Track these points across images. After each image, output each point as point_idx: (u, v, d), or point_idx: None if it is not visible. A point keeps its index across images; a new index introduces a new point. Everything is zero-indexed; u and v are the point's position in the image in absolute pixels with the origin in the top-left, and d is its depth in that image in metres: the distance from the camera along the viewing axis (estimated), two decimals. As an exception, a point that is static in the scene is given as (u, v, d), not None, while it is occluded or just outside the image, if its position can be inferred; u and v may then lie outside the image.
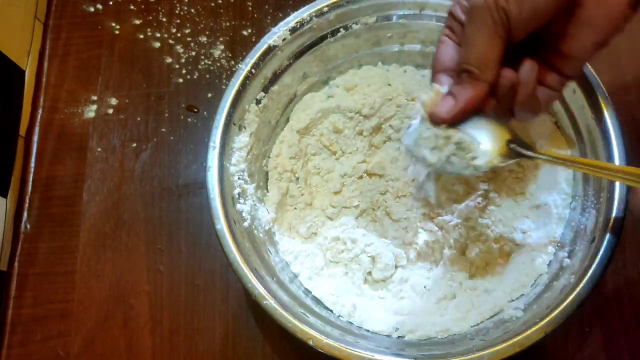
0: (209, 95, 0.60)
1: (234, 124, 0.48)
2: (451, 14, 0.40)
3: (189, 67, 0.61)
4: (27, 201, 0.57)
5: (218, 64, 0.61)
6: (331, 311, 0.47)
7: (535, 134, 0.51)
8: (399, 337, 0.46)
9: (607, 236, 0.41)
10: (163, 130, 0.59)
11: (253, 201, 0.48)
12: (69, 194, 0.57)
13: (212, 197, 0.44)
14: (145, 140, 0.59)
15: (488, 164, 0.39)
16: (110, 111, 0.60)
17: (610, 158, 0.43)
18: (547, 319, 0.40)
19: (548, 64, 0.39)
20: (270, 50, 0.49)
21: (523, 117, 0.41)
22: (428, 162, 0.41)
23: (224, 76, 0.60)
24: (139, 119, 0.60)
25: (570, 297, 0.40)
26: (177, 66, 0.61)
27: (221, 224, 0.44)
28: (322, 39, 0.52)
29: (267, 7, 0.63)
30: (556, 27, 0.37)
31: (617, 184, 0.42)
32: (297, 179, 0.53)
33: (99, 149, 0.59)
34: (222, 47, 0.62)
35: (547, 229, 0.48)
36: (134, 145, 0.59)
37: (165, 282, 0.54)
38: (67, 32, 0.64)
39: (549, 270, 0.46)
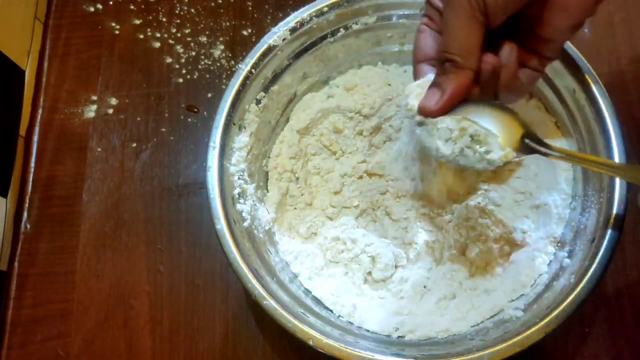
0: (209, 95, 0.60)
1: (234, 124, 0.48)
2: (428, 2, 0.41)
3: (189, 67, 0.61)
4: (27, 201, 0.57)
5: (218, 64, 0.61)
6: (331, 311, 0.47)
7: (535, 134, 0.51)
8: (399, 337, 0.46)
9: (607, 236, 0.41)
10: (163, 130, 0.59)
11: (253, 201, 0.48)
12: (69, 194, 0.57)
13: (212, 197, 0.44)
14: (145, 140, 0.59)
15: (502, 158, 0.38)
16: (110, 111, 0.60)
17: (610, 158, 0.43)
18: (547, 319, 0.40)
19: (528, 47, 0.40)
20: (270, 50, 0.49)
21: (507, 99, 0.41)
22: (441, 153, 0.40)
23: (224, 76, 0.60)
24: (139, 119, 0.60)
25: (570, 297, 0.40)
26: (177, 66, 0.61)
27: (221, 224, 0.44)
28: (322, 39, 0.52)
29: (267, 7, 0.63)
30: (533, 12, 0.38)
31: (617, 183, 0.42)
32: (297, 179, 0.53)
33: (99, 149, 0.59)
34: (222, 47, 0.62)
35: (547, 229, 0.48)
36: (134, 145, 0.59)
37: (165, 282, 0.54)
38: (67, 32, 0.64)
39: (549, 270, 0.46)
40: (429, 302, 0.48)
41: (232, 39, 0.62)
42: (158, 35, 0.62)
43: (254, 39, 0.61)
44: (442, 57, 0.38)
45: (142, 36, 0.63)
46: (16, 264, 0.55)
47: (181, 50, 0.62)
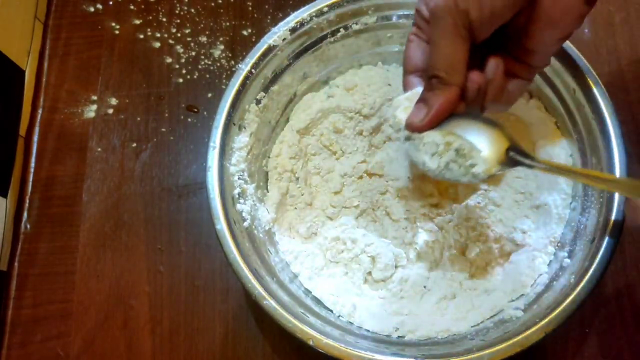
0: (209, 95, 0.60)
1: (234, 124, 0.48)
2: (417, 12, 0.41)
3: (189, 67, 0.61)
4: (27, 201, 0.57)
5: (218, 64, 0.61)
6: (331, 311, 0.47)
7: (535, 134, 0.51)
8: (399, 337, 0.46)
9: (607, 236, 0.41)
10: (163, 130, 0.59)
11: (253, 201, 0.48)
12: (69, 194, 0.57)
13: (212, 197, 0.44)
14: (145, 140, 0.59)
15: (486, 171, 0.39)
16: (110, 111, 0.60)
17: (610, 158, 0.43)
18: (547, 319, 0.40)
19: (516, 56, 0.40)
20: (270, 50, 0.49)
21: (495, 110, 0.42)
22: (427, 167, 0.41)
23: (224, 76, 0.60)
24: (139, 119, 0.60)
25: (570, 297, 0.40)
26: (177, 66, 0.61)
27: (221, 224, 0.44)
28: (322, 39, 0.52)
29: (267, 7, 0.63)
30: (519, 23, 0.38)
31: (617, 184, 0.42)
32: (297, 179, 0.53)
33: (99, 149, 0.59)
34: (222, 47, 0.61)
35: (547, 229, 0.48)
36: (134, 145, 0.59)
37: (165, 283, 0.54)
38: (67, 32, 0.64)
39: (549, 270, 0.46)
40: (429, 302, 0.48)
41: (232, 39, 0.62)
42: (158, 35, 0.62)
43: (254, 39, 0.61)
44: (429, 73, 0.39)
45: (142, 36, 0.63)
46: (16, 264, 0.55)
47: (181, 50, 0.62)
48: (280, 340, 0.51)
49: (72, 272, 0.55)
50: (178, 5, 0.63)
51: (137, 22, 0.63)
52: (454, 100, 0.39)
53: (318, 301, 0.48)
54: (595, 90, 0.45)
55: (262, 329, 0.52)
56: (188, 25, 0.63)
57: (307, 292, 0.48)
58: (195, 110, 0.60)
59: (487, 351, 0.39)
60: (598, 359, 0.49)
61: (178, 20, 0.63)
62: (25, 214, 0.57)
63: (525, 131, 0.51)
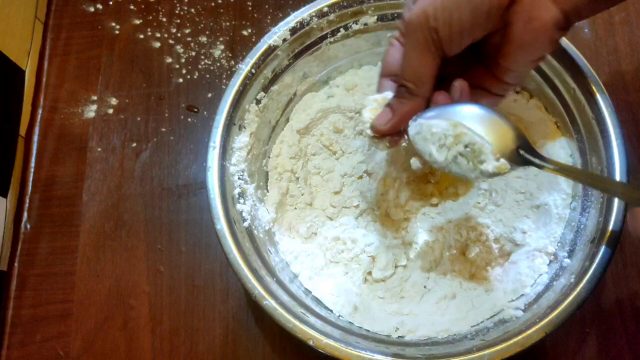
0: (209, 95, 0.60)
1: (234, 124, 0.48)
2: (402, 18, 0.41)
3: (189, 67, 0.61)
4: (27, 201, 0.57)
5: (218, 64, 0.61)
6: (331, 311, 0.47)
7: (535, 134, 0.51)
8: (399, 337, 0.46)
9: (607, 236, 0.41)
10: (163, 130, 0.59)
11: (253, 201, 0.48)
12: (69, 194, 0.57)
13: (212, 197, 0.44)
14: (145, 140, 0.59)
15: (496, 169, 0.38)
16: (110, 111, 0.60)
17: (610, 158, 0.43)
18: (547, 319, 0.40)
19: (491, 72, 0.41)
20: (270, 50, 0.49)
21: None
22: (434, 159, 0.40)
23: (224, 76, 0.60)
24: (139, 119, 0.60)
25: (570, 297, 0.40)
26: (177, 66, 0.61)
27: (221, 224, 0.44)
28: (322, 39, 0.52)
29: (267, 7, 0.63)
30: (494, 40, 0.39)
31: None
32: (297, 179, 0.53)
33: (99, 149, 0.59)
34: (222, 47, 0.61)
35: (547, 229, 0.48)
36: (134, 145, 0.59)
37: (165, 283, 0.54)
38: (67, 32, 0.64)
39: (549, 270, 0.46)
40: (429, 302, 0.48)
41: (232, 39, 0.62)
42: (158, 35, 0.62)
43: (254, 39, 0.61)
44: (399, 82, 0.40)
45: (142, 36, 0.63)
46: (16, 264, 0.55)
47: (181, 50, 0.62)
48: (280, 340, 0.51)
49: (72, 272, 0.55)
50: (178, 5, 0.63)
51: (137, 22, 0.63)
52: (417, 110, 0.40)
53: (318, 301, 0.48)
54: (595, 90, 0.45)
55: (262, 329, 0.52)
56: (188, 25, 0.63)
57: (307, 292, 0.48)
58: (195, 110, 0.60)
59: (487, 351, 0.39)
60: (598, 359, 0.49)
61: (178, 20, 0.63)
62: (25, 214, 0.57)
63: (525, 131, 0.51)
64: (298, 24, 0.50)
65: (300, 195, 0.53)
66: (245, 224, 0.47)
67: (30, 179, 0.58)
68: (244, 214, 0.47)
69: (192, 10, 0.63)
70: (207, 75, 0.61)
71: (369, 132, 0.43)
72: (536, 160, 0.38)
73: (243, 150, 0.48)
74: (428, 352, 0.42)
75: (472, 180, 0.50)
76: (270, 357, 0.51)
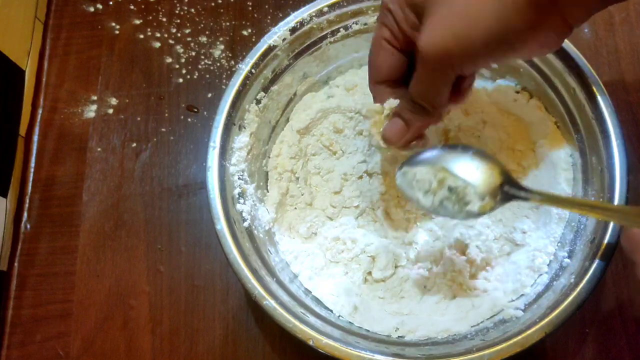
0: (209, 95, 0.60)
1: (234, 124, 0.48)
2: (390, 12, 0.39)
3: (189, 67, 0.61)
4: (27, 201, 0.57)
5: (218, 64, 0.61)
6: (331, 311, 0.47)
7: (535, 134, 0.51)
8: (399, 337, 0.46)
9: (608, 236, 0.41)
10: (163, 130, 0.59)
11: (253, 201, 0.48)
12: (69, 194, 0.57)
13: (212, 197, 0.44)
14: (145, 140, 0.59)
15: (480, 209, 0.39)
16: (110, 111, 0.60)
17: (610, 158, 0.43)
18: (547, 319, 0.40)
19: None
20: (270, 50, 0.49)
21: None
22: (421, 205, 0.41)
23: (224, 76, 0.60)
24: (139, 119, 0.60)
25: (571, 297, 0.40)
26: (177, 66, 0.61)
27: (221, 224, 0.44)
28: (322, 39, 0.52)
29: (267, 7, 0.63)
30: None
31: (617, 184, 0.42)
32: (297, 179, 0.53)
33: (99, 149, 0.59)
34: (222, 47, 0.61)
35: (547, 229, 0.48)
36: (134, 145, 0.59)
37: (165, 282, 0.54)
38: (67, 32, 0.64)
39: (549, 270, 0.46)
40: (429, 302, 0.48)
41: (232, 39, 0.62)
42: (158, 35, 0.62)
43: (254, 39, 0.61)
44: (415, 101, 0.40)
45: (142, 36, 0.63)
46: (16, 264, 0.55)
47: (181, 50, 0.62)
48: (280, 340, 0.51)
49: (72, 272, 0.55)
50: (178, 5, 0.63)
51: (137, 22, 0.63)
52: (434, 123, 0.42)
53: (318, 301, 0.48)
54: (595, 90, 0.45)
55: (262, 329, 0.52)
56: (188, 25, 0.63)
57: (307, 292, 0.48)
58: (195, 110, 0.60)
59: (487, 351, 0.39)
60: (598, 359, 0.49)
61: (178, 20, 0.63)
62: (25, 214, 0.57)
63: (525, 131, 0.51)
64: (298, 24, 0.50)
65: (300, 195, 0.53)
66: (245, 224, 0.47)
67: (30, 179, 0.58)
68: (244, 214, 0.47)
69: (192, 10, 0.63)
70: (207, 75, 0.61)
71: (381, 143, 0.43)
72: (521, 194, 0.39)
73: (243, 150, 0.48)
74: (428, 352, 0.42)
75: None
76: (270, 357, 0.51)
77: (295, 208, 0.52)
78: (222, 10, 0.63)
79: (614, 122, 0.44)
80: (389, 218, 0.51)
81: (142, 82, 0.61)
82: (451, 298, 0.48)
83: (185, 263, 0.54)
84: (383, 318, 0.47)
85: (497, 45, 0.35)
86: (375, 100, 0.43)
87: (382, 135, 0.42)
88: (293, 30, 0.50)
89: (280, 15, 0.62)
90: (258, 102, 0.50)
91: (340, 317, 0.47)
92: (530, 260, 0.47)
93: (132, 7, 0.64)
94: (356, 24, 0.51)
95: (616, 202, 0.42)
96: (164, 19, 0.63)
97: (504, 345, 0.39)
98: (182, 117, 0.59)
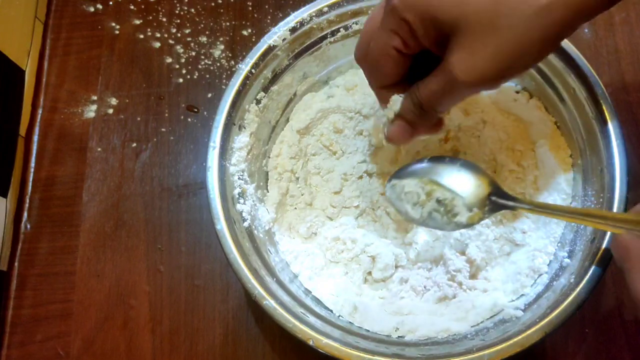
0: (209, 95, 0.60)
1: (234, 124, 0.48)
2: (406, 23, 0.36)
3: (189, 67, 0.61)
4: (27, 201, 0.57)
5: (218, 64, 0.61)
6: (331, 311, 0.47)
7: (535, 134, 0.51)
8: (399, 337, 0.46)
9: (607, 236, 0.41)
10: (163, 130, 0.59)
11: (253, 201, 0.48)
12: (69, 194, 0.57)
13: (212, 197, 0.44)
14: (145, 140, 0.59)
15: (469, 219, 0.40)
16: (110, 111, 0.60)
17: (610, 158, 0.43)
18: (547, 319, 0.40)
19: None
20: (270, 50, 0.49)
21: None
22: (410, 217, 0.42)
23: (224, 76, 0.60)
24: (139, 119, 0.60)
25: (571, 297, 0.40)
26: (177, 66, 0.61)
27: (221, 224, 0.44)
28: (322, 39, 0.52)
29: (267, 7, 0.63)
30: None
31: (617, 183, 0.42)
32: (297, 179, 0.53)
33: (99, 149, 0.59)
34: (222, 47, 0.61)
35: (547, 229, 0.48)
36: (134, 145, 0.59)
37: (165, 282, 0.54)
38: (67, 32, 0.64)
39: (549, 270, 0.46)
40: (429, 302, 0.48)
41: (232, 39, 0.62)
42: (158, 35, 0.62)
43: (254, 39, 0.61)
44: (424, 106, 0.39)
45: (142, 36, 0.63)
46: (16, 264, 0.55)
47: (181, 50, 0.62)
48: (280, 340, 0.51)
49: (72, 272, 0.55)
50: (178, 5, 0.63)
51: (137, 22, 0.63)
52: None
53: (318, 301, 0.48)
54: (595, 90, 0.45)
55: (262, 329, 0.52)
56: (188, 25, 0.63)
57: (307, 292, 0.48)
58: (195, 110, 0.60)
59: (487, 351, 0.39)
60: (598, 359, 0.49)
61: (178, 20, 0.63)
62: (25, 214, 0.57)
63: (525, 131, 0.51)
64: (298, 24, 0.50)
65: (300, 195, 0.53)
66: (245, 224, 0.47)
67: (30, 179, 0.58)
68: (244, 214, 0.47)
69: (192, 10, 0.63)
70: (207, 75, 0.61)
71: (384, 142, 0.44)
72: (509, 203, 0.40)
73: (243, 150, 0.48)
74: (428, 352, 0.42)
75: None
76: (270, 357, 0.51)
77: (295, 208, 0.52)
78: (222, 10, 0.63)
79: (614, 122, 0.44)
80: (389, 218, 0.51)
81: (142, 82, 0.61)
82: (451, 298, 0.48)
83: (185, 263, 0.54)
84: (383, 318, 0.47)
85: (531, 66, 0.36)
86: (382, 103, 0.42)
87: (388, 138, 0.42)
88: (293, 30, 0.50)
89: (280, 15, 0.62)
90: (258, 102, 0.50)
91: (340, 317, 0.47)
92: (530, 260, 0.47)
93: (132, 7, 0.64)
94: (356, 24, 0.51)
95: (616, 202, 0.42)
96: (164, 19, 0.63)
97: (504, 345, 0.39)
98: (182, 117, 0.59)
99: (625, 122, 0.45)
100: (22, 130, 0.59)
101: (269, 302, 0.41)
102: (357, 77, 0.54)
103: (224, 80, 0.60)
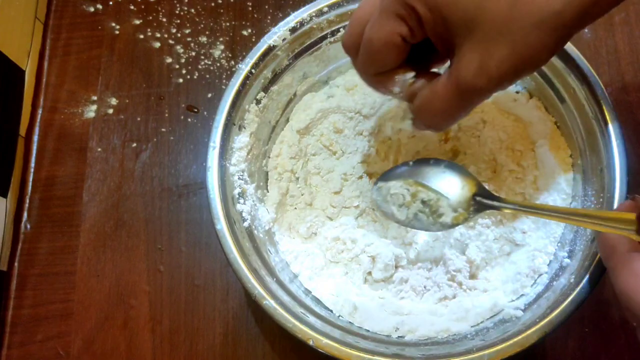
0: (209, 95, 0.60)
1: (234, 124, 0.48)
2: (415, 13, 0.35)
3: (189, 67, 0.61)
4: (27, 201, 0.57)
5: (218, 64, 0.61)
6: (331, 311, 0.47)
7: (535, 134, 0.51)
8: (399, 337, 0.46)
9: (607, 236, 0.41)
10: (163, 130, 0.59)
11: (253, 201, 0.48)
12: (69, 194, 0.57)
13: (212, 197, 0.44)
14: (145, 140, 0.59)
15: (454, 220, 0.41)
16: (110, 111, 0.60)
17: (610, 158, 0.43)
18: (547, 319, 0.40)
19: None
20: (270, 50, 0.49)
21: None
22: (396, 218, 0.43)
23: (224, 76, 0.60)
24: (139, 119, 0.60)
25: (570, 297, 0.40)
26: (177, 66, 0.61)
27: (221, 224, 0.44)
28: (322, 39, 0.52)
29: (267, 7, 0.63)
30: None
31: (617, 183, 0.42)
32: (297, 179, 0.53)
33: (99, 149, 0.59)
34: (222, 47, 0.62)
35: (547, 229, 0.48)
36: (134, 145, 0.59)
37: (165, 282, 0.54)
38: (67, 32, 0.64)
39: (549, 270, 0.46)
40: (429, 302, 0.48)
41: (232, 39, 0.62)
42: (158, 35, 0.62)
43: (254, 39, 0.61)
44: (418, 117, 0.39)
45: (142, 36, 0.63)
46: (16, 264, 0.55)
47: (181, 50, 0.62)
48: (280, 340, 0.51)
49: (72, 272, 0.55)
50: (178, 5, 0.63)
51: (137, 22, 0.63)
52: None
53: (318, 301, 0.48)
54: (595, 90, 0.45)
55: (262, 329, 0.52)
56: (188, 25, 0.63)
57: (307, 292, 0.48)
58: (195, 110, 0.60)
59: (487, 351, 0.39)
60: (598, 359, 0.49)
61: (178, 21, 0.63)
62: (25, 214, 0.57)
63: (525, 131, 0.51)
64: (298, 24, 0.50)
65: (300, 195, 0.53)
66: (245, 224, 0.47)
67: (30, 179, 0.58)
68: (244, 214, 0.47)
69: (192, 10, 0.63)
70: (207, 75, 0.61)
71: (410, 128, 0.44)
72: (494, 203, 0.40)
73: (243, 150, 0.48)
74: (428, 352, 0.42)
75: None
76: (270, 357, 0.51)
77: (295, 208, 0.52)
78: (222, 11, 0.63)
79: (614, 122, 0.44)
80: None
81: (142, 82, 0.61)
82: (451, 298, 0.48)
83: (185, 263, 0.54)
84: (383, 318, 0.47)
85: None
86: (378, 89, 0.41)
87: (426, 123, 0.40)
88: (293, 30, 0.50)
89: (280, 15, 0.62)
90: (258, 102, 0.50)
91: (340, 317, 0.47)
92: (530, 260, 0.47)
93: (132, 7, 0.64)
94: (356, 24, 0.51)
95: (616, 202, 0.42)
96: (164, 19, 0.63)
97: (504, 345, 0.39)
98: (182, 117, 0.59)
99: (625, 122, 0.45)
100: (22, 130, 0.59)
101: (269, 302, 0.41)
102: (357, 77, 0.54)
103: (224, 80, 0.60)
